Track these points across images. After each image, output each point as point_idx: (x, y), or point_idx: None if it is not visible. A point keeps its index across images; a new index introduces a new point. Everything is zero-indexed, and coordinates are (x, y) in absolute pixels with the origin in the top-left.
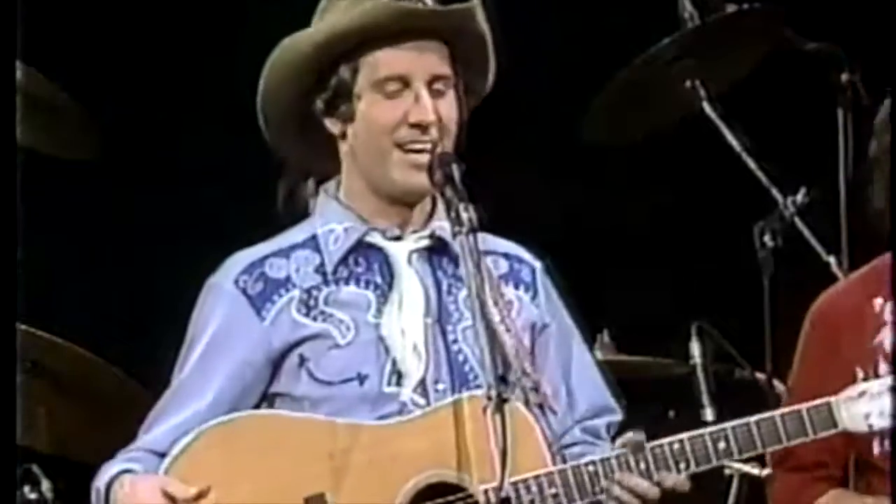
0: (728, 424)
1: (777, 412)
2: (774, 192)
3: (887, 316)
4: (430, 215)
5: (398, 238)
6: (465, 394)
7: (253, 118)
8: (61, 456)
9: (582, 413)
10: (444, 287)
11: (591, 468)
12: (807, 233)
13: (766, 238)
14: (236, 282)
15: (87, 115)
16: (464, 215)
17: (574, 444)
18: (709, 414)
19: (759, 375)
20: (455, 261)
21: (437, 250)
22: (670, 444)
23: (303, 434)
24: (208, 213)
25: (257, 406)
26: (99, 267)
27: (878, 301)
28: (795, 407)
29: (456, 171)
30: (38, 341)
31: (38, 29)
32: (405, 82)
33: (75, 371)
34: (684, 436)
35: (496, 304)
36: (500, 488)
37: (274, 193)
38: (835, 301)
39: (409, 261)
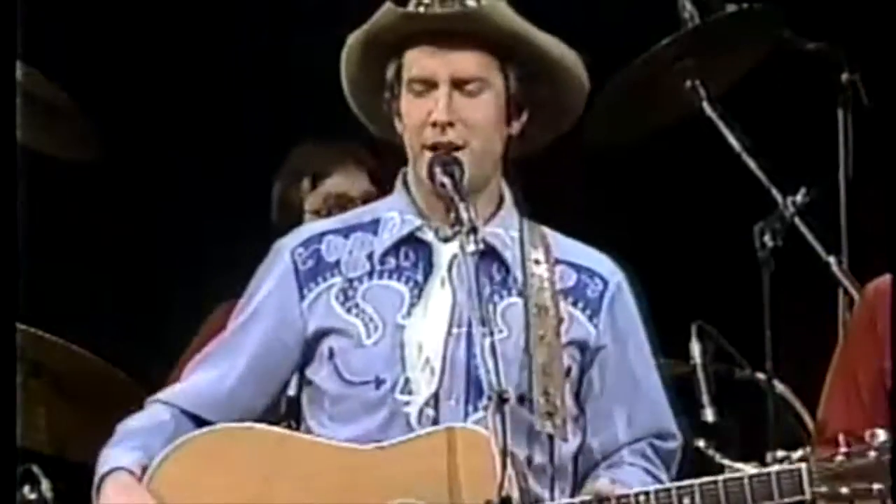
0: (696, 481)
1: (747, 473)
2: (774, 192)
3: None
4: (488, 220)
5: (448, 239)
6: (458, 425)
7: (253, 118)
8: (61, 456)
9: (634, 435)
10: (486, 295)
11: None
12: (807, 233)
13: (766, 238)
14: (293, 252)
15: (87, 115)
16: (464, 215)
17: (619, 464)
18: (709, 414)
19: (759, 375)
20: (506, 268)
21: (485, 256)
22: (636, 495)
23: (282, 451)
24: (208, 214)
25: (299, 389)
26: (99, 267)
27: None
28: (765, 470)
29: (457, 171)
30: (38, 341)
31: (38, 29)
32: (431, 83)
33: (75, 371)
34: (651, 489)
35: (547, 313)
36: (500, 487)
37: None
38: (880, 282)
39: (451, 265)
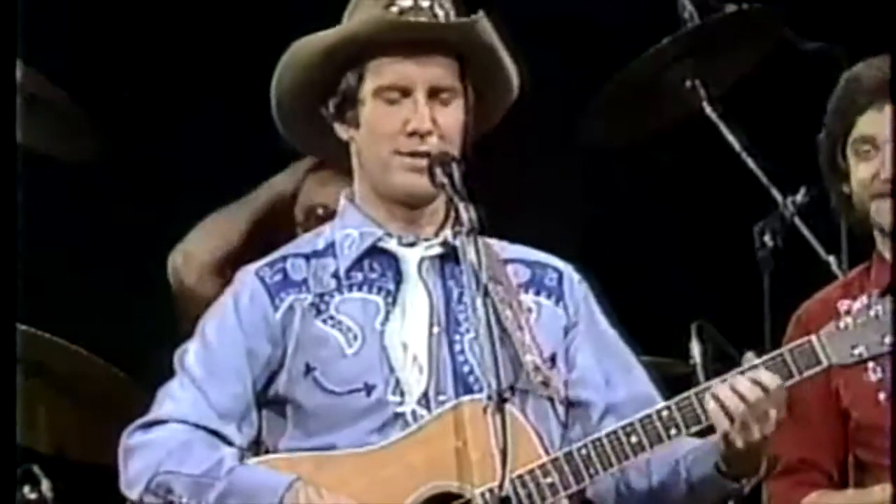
0: (713, 381)
1: (760, 360)
2: (774, 191)
3: (854, 309)
4: (444, 223)
5: (412, 244)
6: (448, 406)
7: (254, 120)
8: (61, 456)
9: (622, 400)
10: (455, 296)
11: (583, 451)
12: (807, 232)
13: (766, 238)
14: (257, 272)
15: (87, 116)
16: (464, 215)
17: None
18: None
19: None
20: (468, 269)
21: (450, 258)
22: (658, 411)
23: (292, 471)
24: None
25: (259, 407)
26: (99, 267)
27: (847, 301)
28: (777, 351)
29: (456, 170)
30: (38, 341)
31: (38, 29)
32: (405, 91)
33: (75, 371)
34: (672, 402)
35: (510, 305)
36: (500, 487)
37: None
38: (810, 304)
39: (420, 268)
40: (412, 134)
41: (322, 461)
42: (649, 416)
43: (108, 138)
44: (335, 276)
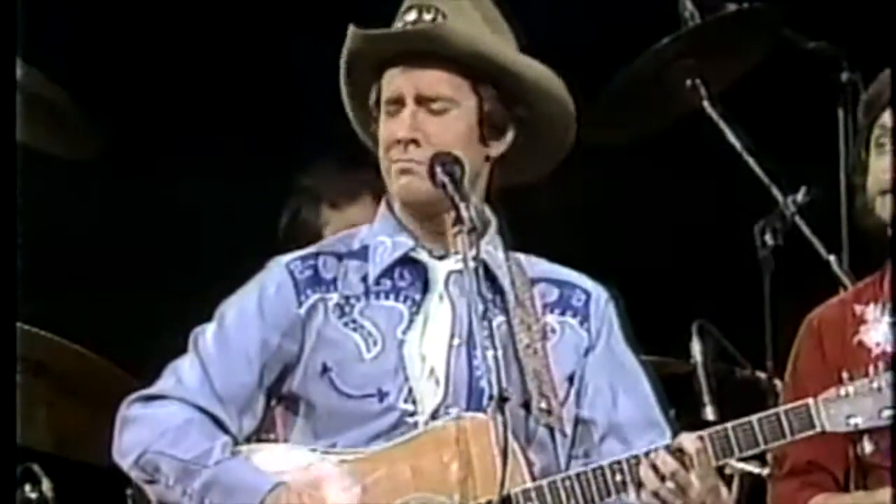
0: (705, 432)
1: (755, 416)
2: (775, 191)
3: (868, 316)
4: (478, 238)
5: (442, 257)
6: (444, 420)
7: (255, 118)
8: (62, 455)
9: (621, 416)
10: (483, 308)
11: (567, 483)
12: (807, 232)
13: (767, 237)
14: (288, 265)
15: (87, 115)
16: (464, 214)
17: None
18: (709, 413)
19: (760, 374)
20: (494, 287)
21: (478, 273)
22: (646, 453)
23: (280, 467)
24: (209, 214)
25: (270, 401)
26: (98, 267)
27: (860, 306)
28: (773, 410)
29: (457, 171)
30: (38, 341)
31: (38, 29)
32: (400, 102)
33: (75, 371)
34: (661, 444)
35: (529, 328)
36: (501, 486)
37: (273, 195)
38: (824, 309)
39: (447, 281)
40: (398, 142)
41: (311, 459)
42: (636, 456)
43: (108, 137)
44: (364, 280)
